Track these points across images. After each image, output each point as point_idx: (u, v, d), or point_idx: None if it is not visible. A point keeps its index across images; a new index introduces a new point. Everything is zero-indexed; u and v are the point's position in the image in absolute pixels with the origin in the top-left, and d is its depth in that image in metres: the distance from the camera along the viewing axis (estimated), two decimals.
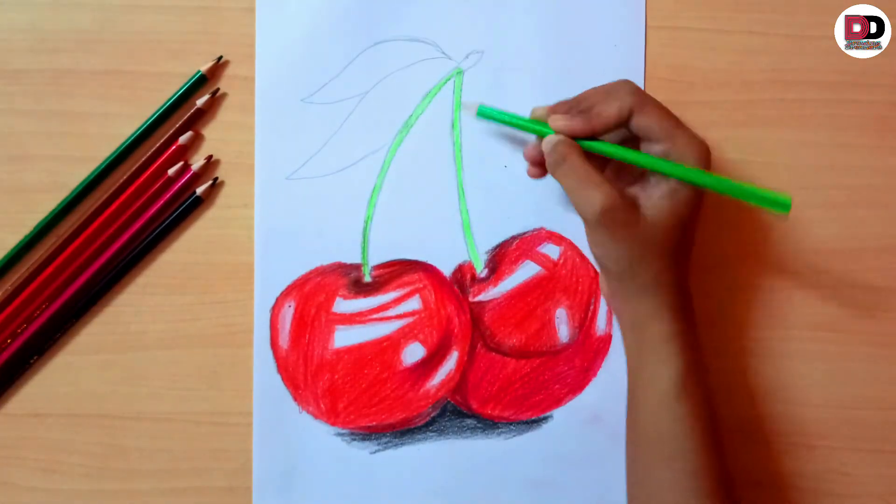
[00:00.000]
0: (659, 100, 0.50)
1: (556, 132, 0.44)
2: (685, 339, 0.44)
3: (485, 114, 0.47)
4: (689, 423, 0.43)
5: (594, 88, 0.45)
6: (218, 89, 0.50)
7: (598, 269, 0.49)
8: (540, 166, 0.47)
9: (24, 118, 0.50)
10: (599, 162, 0.44)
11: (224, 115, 0.50)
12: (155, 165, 0.50)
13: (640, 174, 0.45)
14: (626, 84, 0.44)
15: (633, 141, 0.44)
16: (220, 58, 0.50)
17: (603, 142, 0.44)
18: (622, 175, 0.46)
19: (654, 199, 0.43)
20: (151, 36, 0.50)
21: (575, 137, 0.44)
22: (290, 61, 0.50)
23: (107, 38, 0.50)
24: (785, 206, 0.42)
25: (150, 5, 0.50)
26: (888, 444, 0.51)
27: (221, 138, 0.50)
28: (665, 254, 0.43)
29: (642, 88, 0.45)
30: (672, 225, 0.43)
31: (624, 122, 0.43)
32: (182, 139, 0.49)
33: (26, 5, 0.50)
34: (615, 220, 0.42)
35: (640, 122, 0.43)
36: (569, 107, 0.45)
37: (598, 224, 0.42)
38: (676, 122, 0.43)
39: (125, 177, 0.49)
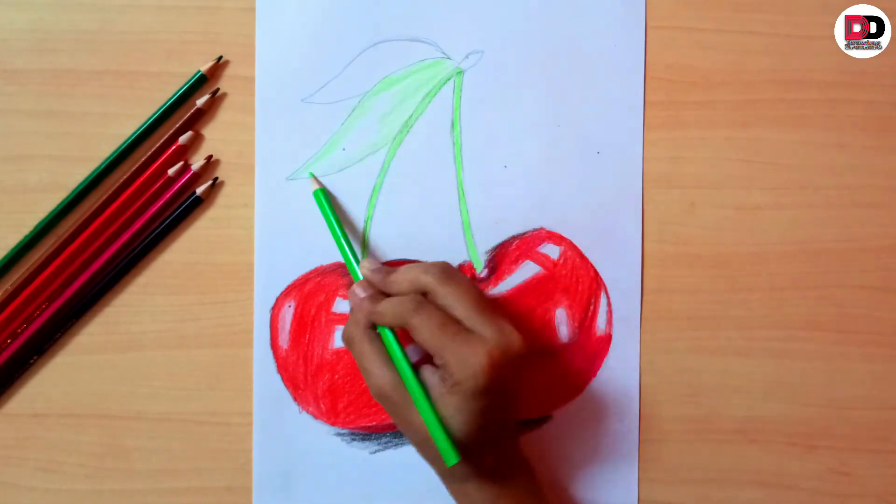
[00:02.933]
0: (659, 100, 0.51)
1: (350, 302, 0.46)
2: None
3: (318, 199, 0.48)
4: None
5: (409, 270, 0.44)
6: (218, 89, 0.50)
7: None
8: None
9: (24, 118, 0.50)
10: None
11: (224, 115, 0.50)
12: (155, 165, 0.50)
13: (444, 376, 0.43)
14: (420, 281, 0.43)
15: None
16: (220, 58, 0.50)
17: (390, 339, 0.44)
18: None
19: (446, 410, 0.42)
20: (151, 36, 0.50)
21: None
22: (290, 61, 0.50)
23: (107, 38, 0.50)
24: (448, 461, 0.41)
25: (150, 5, 0.50)
26: (888, 444, 0.51)
27: (221, 138, 0.50)
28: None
29: (439, 287, 0.43)
30: (462, 433, 0.42)
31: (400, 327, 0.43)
32: (182, 139, 0.49)
33: (26, 5, 0.50)
34: (387, 404, 0.43)
35: (414, 338, 0.42)
36: (384, 276, 0.45)
37: (378, 401, 0.44)
38: (445, 342, 0.41)
39: (125, 177, 0.49)
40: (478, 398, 0.41)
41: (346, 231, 0.49)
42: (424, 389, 0.42)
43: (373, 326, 0.45)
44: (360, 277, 0.46)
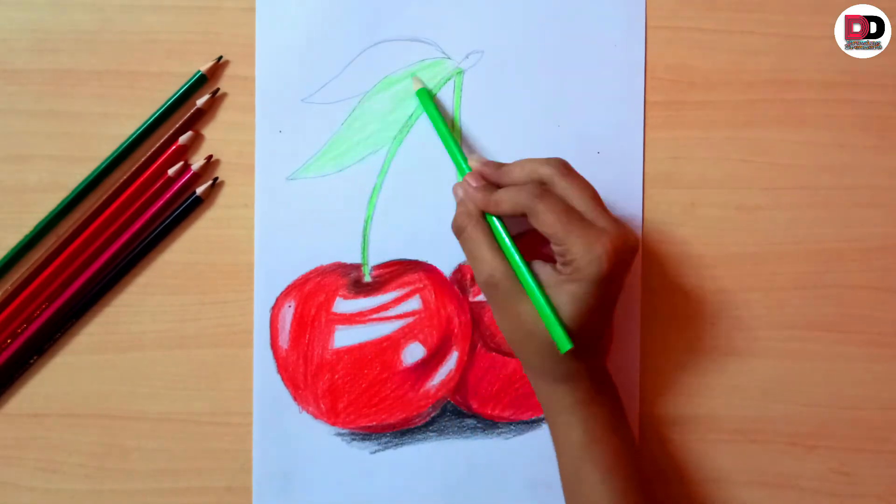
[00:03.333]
0: (659, 100, 0.51)
1: (461, 193, 0.46)
2: (582, 411, 0.44)
3: (423, 98, 0.48)
4: (599, 489, 0.43)
5: (525, 163, 0.45)
6: (218, 89, 0.50)
7: None
8: None
9: (24, 118, 0.50)
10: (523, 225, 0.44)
11: (224, 115, 0.50)
12: (155, 165, 0.50)
13: (557, 263, 0.43)
14: (541, 171, 0.44)
15: None
16: (220, 58, 0.50)
17: (500, 230, 0.44)
18: (547, 251, 0.45)
19: (559, 297, 0.42)
20: (151, 36, 0.50)
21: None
22: (290, 61, 0.50)
23: (107, 38, 0.50)
24: (562, 348, 0.41)
25: (150, 5, 0.50)
26: (888, 444, 0.51)
27: (221, 138, 0.50)
28: (545, 342, 0.43)
29: (561, 178, 0.43)
30: (573, 323, 0.42)
31: (517, 216, 0.43)
32: (182, 139, 0.49)
33: (26, 5, 0.50)
34: (495, 294, 0.44)
35: (535, 226, 0.43)
36: (495, 169, 0.46)
37: (483, 292, 0.45)
38: (569, 228, 0.41)
39: (125, 177, 0.49)
40: (597, 285, 0.41)
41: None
42: (536, 279, 0.43)
43: (483, 216, 0.45)
44: (468, 170, 0.46)
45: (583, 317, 0.42)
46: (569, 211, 0.42)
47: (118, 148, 0.49)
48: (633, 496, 0.43)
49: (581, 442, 0.44)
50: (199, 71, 0.49)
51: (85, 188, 0.49)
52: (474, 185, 0.45)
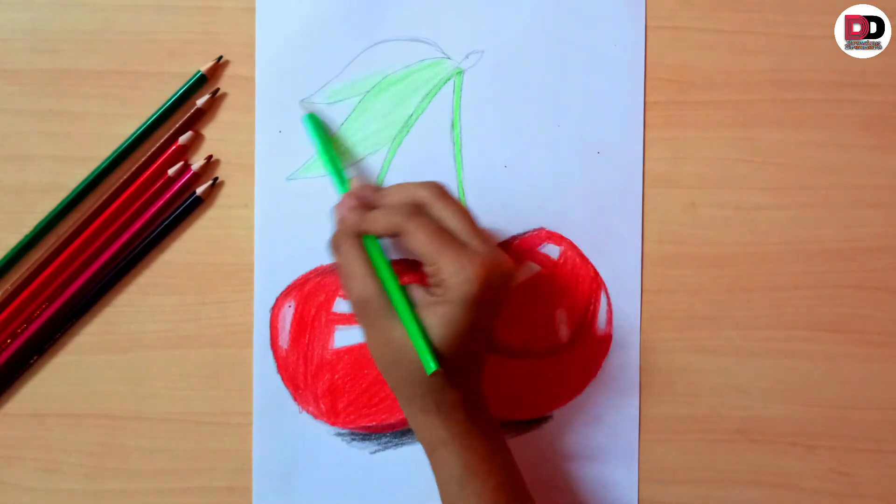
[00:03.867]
0: (659, 100, 0.51)
1: (337, 212, 0.45)
2: (457, 445, 0.42)
3: (310, 122, 0.49)
4: None
5: (402, 187, 0.45)
6: (218, 89, 0.50)
7: None
8: None
9: (24, 118, 0.50)
10: None
11: (224, 115, 0.50)
12: (155, 165, 0.50)
13: (434, 283, 0.42)
14: (415, 195, 0.43)
15: None
16: (221, 58, 0.50)
17: (375, 250, 0.43)
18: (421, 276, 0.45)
19: (430, 319, 0.41)
20: (151, 36, 0.50)
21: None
22: (290, 61, 0.50)
23: (107, 38, 0.50)
24: (428, 369, 0.40)
25: (150, 5, 0.50)
26: (888, 444, 0.51)
27: (221, 138, 0.50)
28: (424, 376, 0.41)
29: (437, 200, 0.43)
30: (443, 346, 0.41)
31: (390, 236, 0.43)
32: (182, 139, 0.49)
33: (26, 5, 0.50)
34: (366, 314, 0.43)
35: (408, 246, 0.42)
36: (373, 191, 0.45)
37: (354, 312, 0.44)
38: (441, 249, 0.41)
39: (125, 177, 0.49)
40: (467, 307, 0.41)
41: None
42: (409, 300, 0.42)
43: (359, 237, 0.44)
44: (346, 191, 0.46)
45: (453, 339, 0.41)
46: (441, 232, 0.42)
47: (118, 148, 0.49)
48: None
49: (460, 477, 0.42)
50: (199, 71, 0.49)
51: (85, 188, 0.49)
52: (349, 205, 0.45)
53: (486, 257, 0.41)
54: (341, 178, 0.47)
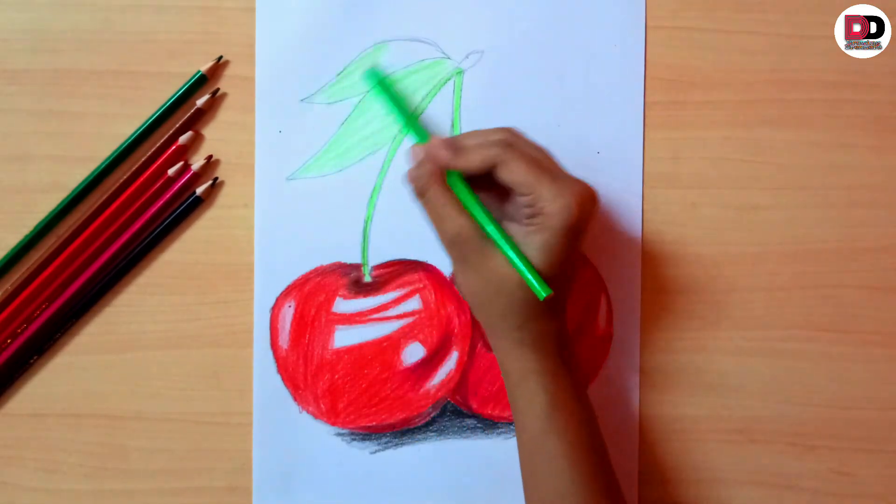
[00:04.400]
0: (659, 100, 0.51)
1: (424, 154, 0.44)
2: (548, 378, 0.43)
3: (374, 78, 0.48)
4: (561, 462, 0.42)
5: (479, 132, 0.45)
6: (218, 89, 0.50)
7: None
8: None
9: (24, 118, 0.50)
10: (486, 188, 0.44)
11: (224, 115, 0.50)
12: (155, 165, 0.50)
13: (522, 217, 0.43)
14: (501, 134, 0.44)
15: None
16: (220, 58, 0.50)
17: (464, 189, 0.43)
18: (506, 210, 0.45)
19: (529, 249, 0.42)
20: (151, 36, 0.50)
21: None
22: (290, 61, 0.50)
23: (107, 38, 0.50)
24: (539, 294, 0.41)
25: (150, 5, 0.50)
26: (888, 444, 0.51)
27: (221, 138, 0.50)
28: (513, 295, 0.42)
29: (520, 137, 0.44)
30: (545, 272, 0.41)
31: (489, 171, 0.43)
32: (182, 139, 0.49)
33: (26, 5, 0.50)
34: (463, 251, 0.43)
35: (504, 177, 0.42)
36: (451, 140, 0.45)
37: (449, 252, 0.44)
38: (539, 177, 0.42)
39: (125, 177, 0.49)
40: (565, 233, 0.41)
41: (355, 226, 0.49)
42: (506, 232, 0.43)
43: (444, 178, 0.44)
44: (425, 138, 0.45)
45: (554, 266, 0.42)
46: (537, 162, 0.43)
47: (118, 148, 0.49)
48: (594, 473, 0.43)
49: (545, 411, 0.43)
50: (199, 71, 0.49)
51: (85, 188, 0.49)
52: (438, 145, 0.44)
53: (580, 185, 0.42)
54: (418, 129, 0.46)
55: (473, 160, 0.43)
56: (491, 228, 0.43)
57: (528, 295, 0.42)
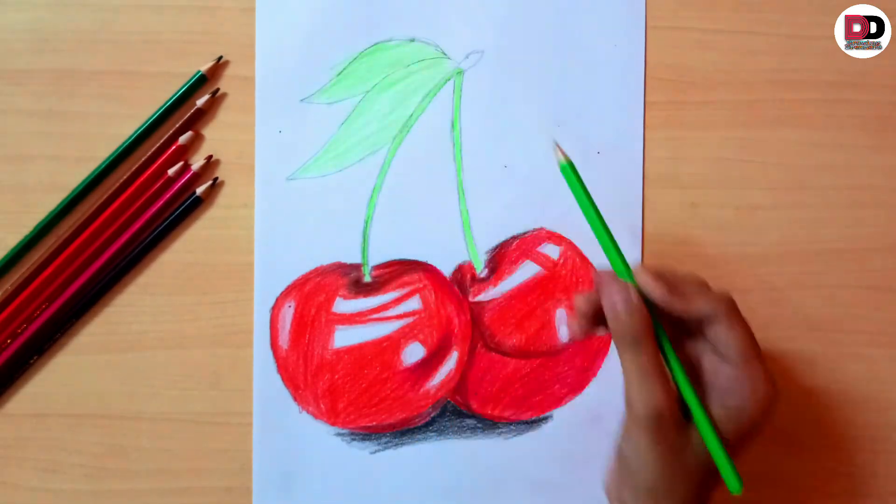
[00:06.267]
0: (659, 100, 0.51)
1: (633, 294, 0.38)
2: None
3: (567, 172, 0.40)
4: None
5: (693, 276, 0.40)
6: (218, 89, 0.50)
7: (617, 470, 0.41)
8: (588, 321, 0.40)
9: (24, 118, 0.50)
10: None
11: (224, 115, 0.50)
12: (155, 165, 0.50)
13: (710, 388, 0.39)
14: (726, 295, 0.39)
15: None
16: (221, 58, 0.50)
17: (670, 350, 0.38)
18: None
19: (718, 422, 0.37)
20: (151, 36, 0.50)
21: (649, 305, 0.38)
22: (290, 61, 0.50)
23: (107, 38, 0.50)
24: (733, 489, 0.38)
25: (150, 5, 0.50)
26: (888, 444, 0.51)
27: (221, 138, 0.50)
28: (701, 484, 0.38)
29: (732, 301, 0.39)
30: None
31: (701, 321, 0.38)
32: (182, 139, 0.49)
33: (26, 5, 0.50)
34: (661, 428, 0.37)
35: (720, 334, 0.38)
36: (660, 274, 0.39)
37: (644, 422, 0.37)
38: (756, 353, 0.38)
39: (125, 177, 0.49)
40: (756, 430, 0.38)
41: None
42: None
43: (653, 332, 0.38)
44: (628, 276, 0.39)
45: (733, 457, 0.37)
46: (752, 336, 0.38)
47: (118, 148, 0.49)
48: None
49: None
50: (199, 71, 0.49)
51: (85, 188, 0.49)
52: (650, 278, 0.38)
53: (775, 383, 0.38)
54: (622, 261, 0.39)
55: (696, 305, 0.38)
56: (697, 408, 0.37)
57: (717, 486, 0.38)
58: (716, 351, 0.38)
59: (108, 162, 0.49)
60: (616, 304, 0.38)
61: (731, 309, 0.38)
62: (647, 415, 0.37)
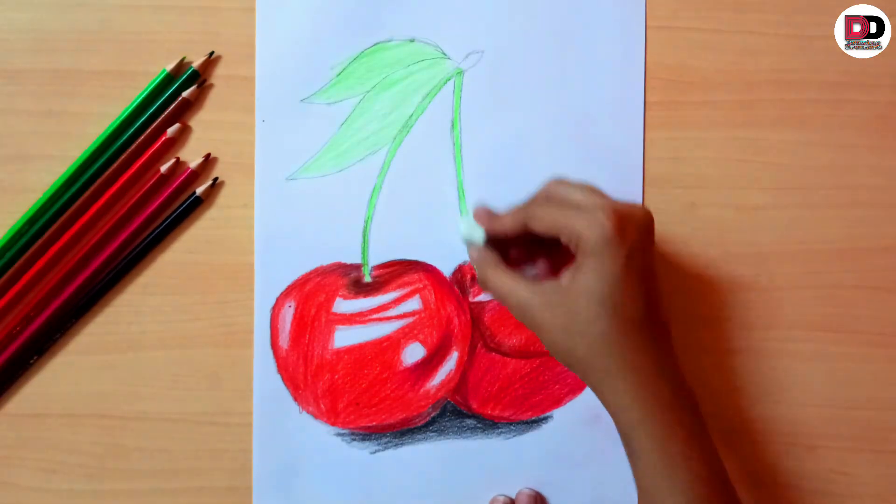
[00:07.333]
0: (659, 100, 0.51)
1: (468, 238, 0.46)
2: (651, 428, 0.40)
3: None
4: None
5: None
6: (205, 80, 0.50)
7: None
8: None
9: (24, 118, 0.50)
10: (534, 248, 0.46)
11: (224, 115, 0.50)
12: (145, 157, 0.49)
13: (570, 259, 0.42)
14: (524, 202, 0.44)
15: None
16: (212, 53, 0.50)
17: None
18: (555, 258, 0.45)
19: (588, 281, 0.40)
20: (151, 36, 0.50)
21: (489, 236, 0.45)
22: (289, 61, 0.50)
23: (107, 38, 0.50)
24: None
25: (149, 5, 0.50)
26: (888, 444, 0.51)
27: (221, 138, 0.50)
28: (606, 338, 0.40)
29: (563, 184, 0.43)
30: (611, 301, 0.40)
31: (524, 231, 0.43)
32: (170, 131, 0.49)
33: (26, 5, 0.50)
34: (540, 306, 0.41)
35: (537, 229, 0.42)
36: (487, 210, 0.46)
37: (530, 324, 0.42)
38: (564, 211, 0.41)
39: (113, 167, 0.49)
40: (611, 251, 0.40)
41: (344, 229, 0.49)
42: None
43: (499, 263, 0.44)
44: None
45: (616, 289, 0.40)
46: (561, 200, 0.42)
47: (95, 141, 0.49)
48: None
49: (658, 467, 0.40)
50: (191, 67, 0.49)
51: (59, 189, 0.49)
52: (481, 213, 0.46)
53: (608, 201, 0.41)
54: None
55: (506, 224, 0.44)
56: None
57: (615, 310, 0.40)
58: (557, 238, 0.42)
59: (84, 158, 0.49)
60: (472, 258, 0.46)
61: (530, 204, 0.44)
62: (518, 316, 0.43)
